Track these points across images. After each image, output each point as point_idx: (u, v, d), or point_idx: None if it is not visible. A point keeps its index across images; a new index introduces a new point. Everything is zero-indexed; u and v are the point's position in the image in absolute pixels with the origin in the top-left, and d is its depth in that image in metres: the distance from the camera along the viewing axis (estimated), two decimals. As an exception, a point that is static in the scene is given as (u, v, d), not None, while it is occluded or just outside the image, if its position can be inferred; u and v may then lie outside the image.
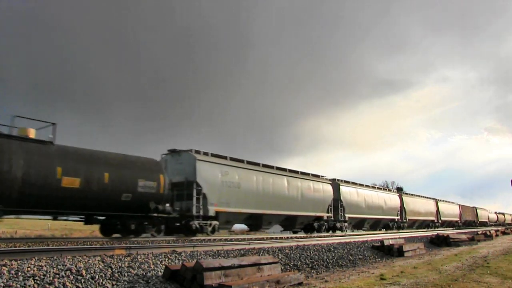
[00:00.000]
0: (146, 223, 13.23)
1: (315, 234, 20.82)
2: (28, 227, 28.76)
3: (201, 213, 15.30)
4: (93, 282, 5.37)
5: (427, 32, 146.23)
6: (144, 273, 6.13)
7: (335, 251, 11.05)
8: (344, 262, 10.24)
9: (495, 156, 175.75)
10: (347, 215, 25.56)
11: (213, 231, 15.90)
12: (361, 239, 14.53)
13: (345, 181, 27.06)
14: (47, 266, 5.49)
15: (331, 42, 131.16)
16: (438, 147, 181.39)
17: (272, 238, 14.60)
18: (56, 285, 5.00)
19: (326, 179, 24.83)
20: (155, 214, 13.36)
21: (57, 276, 5.23)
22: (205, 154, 16.49)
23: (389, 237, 16.14)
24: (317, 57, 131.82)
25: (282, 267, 8.04)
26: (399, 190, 38.15)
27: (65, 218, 12.83)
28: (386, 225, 32.18)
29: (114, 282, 5.55)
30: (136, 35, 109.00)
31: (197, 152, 16.24)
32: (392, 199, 32.77)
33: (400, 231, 30.26)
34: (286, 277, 6.74)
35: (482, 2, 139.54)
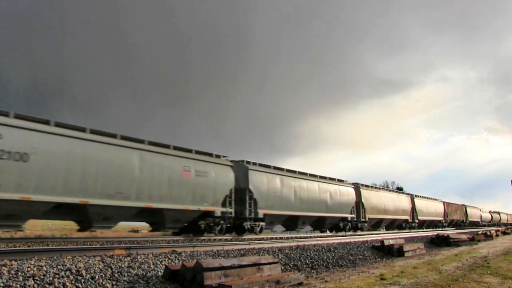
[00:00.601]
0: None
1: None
2: (28, 227, 28.67)
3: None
4: (93, 282, 5.36)
5: (427, 32, 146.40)
6: (144, 273, 6.12)
7: (335, 251, 11.05)
8: (344, 262, 10.23)
9: (495, 156, 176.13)
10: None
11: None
12: (361, 239, 14.55)
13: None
14: (47, 266, 5.49)
15: (331, 42, 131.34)
16: (438, 147, 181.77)
17: (272, 238, 14.67)
18: (56, 285, 5.00)
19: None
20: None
21: (57, 276, 5.23)
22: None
23: (389, 237, 16.15)
24: (317, 57, 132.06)
25: (282, 267, 8.03)
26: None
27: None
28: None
29: (114, 282, 5.55)
30: (136, 35, 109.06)
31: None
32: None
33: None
34: (286, 277, 6.73)
35: (482, 2, 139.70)
